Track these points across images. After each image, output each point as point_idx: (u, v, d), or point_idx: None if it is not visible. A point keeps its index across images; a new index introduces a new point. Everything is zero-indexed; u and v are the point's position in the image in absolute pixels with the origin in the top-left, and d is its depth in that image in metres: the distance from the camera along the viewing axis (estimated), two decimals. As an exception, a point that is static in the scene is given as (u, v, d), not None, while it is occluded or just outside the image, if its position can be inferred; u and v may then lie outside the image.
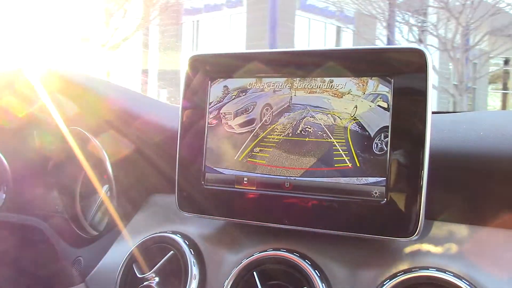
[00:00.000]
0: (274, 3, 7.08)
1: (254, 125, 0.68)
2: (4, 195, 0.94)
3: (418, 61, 0.58)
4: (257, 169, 0.67)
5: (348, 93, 0.62)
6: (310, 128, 0.64)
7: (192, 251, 0.73)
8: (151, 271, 0.73)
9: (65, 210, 0.98)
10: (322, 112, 0.64)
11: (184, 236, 0.76)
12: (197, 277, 0.71)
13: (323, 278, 0.64)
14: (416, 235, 0.57)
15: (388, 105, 0.60)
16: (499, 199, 0.63)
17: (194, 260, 0.72)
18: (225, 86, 0.71)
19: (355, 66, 0.63)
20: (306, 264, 0.64)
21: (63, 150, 0.97)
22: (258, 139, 0.68)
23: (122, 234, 0.87)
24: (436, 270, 0.59)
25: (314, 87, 0.65)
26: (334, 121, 0.63)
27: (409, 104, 0.59)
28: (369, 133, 0.61)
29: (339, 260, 0.66)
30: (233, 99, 0.70)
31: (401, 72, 0.60)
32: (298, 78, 0.66)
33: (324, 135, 0.63)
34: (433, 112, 0.60)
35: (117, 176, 0.89)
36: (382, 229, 0.60)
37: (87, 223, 0.99)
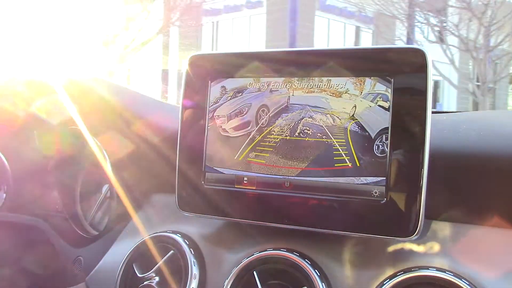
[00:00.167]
0: (294, 4, 7.02)
1: (249, 128, 0.68)
2: (4, 195, 0.94)
3: (418, 61, 0.58)
4: (257, 168, 0.67)
5: (345, 93, 0.62)
6: (309, 130, 0.64)
7: (192, 250, 0.73)
8: (151, 271, 0.73)
9: (65, 210, 0.98)
10: (321, 112, 0.63)
11: (184, 236, 0.76)
12: (197, 276, 0.71)
13: (323, 277, 0.64)
14: (416, 235, 0.57)
15: (388, 105, 0.60)
16: (499, 199, 0.63)
17: (194, 260, 0.72)
18: (222, 87, 0.70)
19: (355, 66, 0.63)
20: (306, 264, 0.64)
21: (63, 150, 0.97)
22: (254, 142, 0.67)
23: (122, 233, 0.88)
24: (436, 270, 0.59)
25: (312, 86, 0.65)
26: (334, 122, 0.63)
27: (409, 104, 0.59)
28: (369, 133, 0.61)
29: (339, 259, 0.66)
30: (228, 100, 0.70)
31: (401, 72, 0.60)
32: (296, 78, 0.66)
33: (324, 136, 0.63)
34: (433, 112, 0.60)
35: (117, 176, 0.89)
36: (382, 228, 0.60)
37: (87, 223, 0.99)
